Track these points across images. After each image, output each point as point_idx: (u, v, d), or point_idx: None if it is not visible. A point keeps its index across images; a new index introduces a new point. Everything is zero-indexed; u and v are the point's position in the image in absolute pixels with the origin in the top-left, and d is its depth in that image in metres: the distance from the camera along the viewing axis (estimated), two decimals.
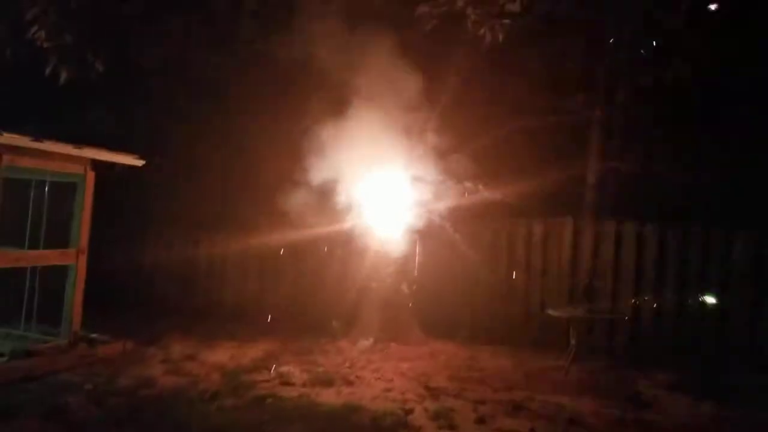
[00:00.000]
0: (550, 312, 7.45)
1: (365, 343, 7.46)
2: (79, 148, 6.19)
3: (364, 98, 7.41)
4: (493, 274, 8.15)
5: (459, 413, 5.23)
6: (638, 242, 7.61)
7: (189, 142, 9.68)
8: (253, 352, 6.99)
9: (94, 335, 6.60)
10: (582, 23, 8.00)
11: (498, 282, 8.14)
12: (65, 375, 5.79)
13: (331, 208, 7.78)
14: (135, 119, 9.59)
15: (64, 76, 8.06)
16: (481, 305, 8.11)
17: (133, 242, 9.54)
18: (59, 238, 6.56)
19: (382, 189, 7.81)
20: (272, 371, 6.18)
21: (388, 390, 5.81)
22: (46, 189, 6.75)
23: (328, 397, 5.55)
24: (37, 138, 5.77)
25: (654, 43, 7.96)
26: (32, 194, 6.81)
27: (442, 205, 7.96)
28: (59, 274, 6.49)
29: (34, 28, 7.77)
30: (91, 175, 6.49)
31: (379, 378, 6.21)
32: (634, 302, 7.56)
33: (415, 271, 8.19)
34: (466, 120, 8.07)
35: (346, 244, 8.23)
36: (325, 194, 7.67)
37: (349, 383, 5.98)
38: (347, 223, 7.88)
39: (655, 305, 7.50)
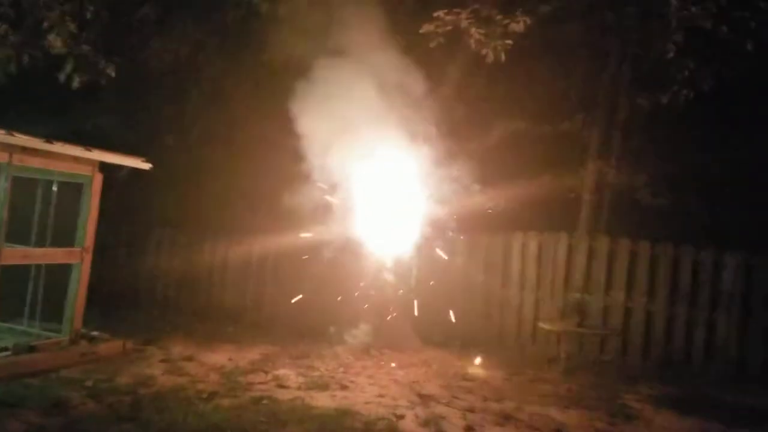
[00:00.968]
0: (543, 325, 7.61)
1: (361, 349, 7.59)
2: (89, 150, 6.28)
3: (364, 107, 7.57)
4: (488, 285, 8.32)
5: (448, 421, 5.35)
6: (631, 259, 7.77)
7: (193, 146, 9.85)
8: (252, 354, 7.12)
9: (95, 333, 6.71)
10: (584, 45, 8.18)
11: (492, 293, 8.31)
12: (66, 371, 5.87)
13: (331, 215, 7.95)
14: (141, 122, 9.75)
15: (76, 81, 8.24)
16: (475, 316, 8.27)
17: (136, 243, 9.69)
18: (65, 237, 6.61)
19: (382, 199, 7.96)
20: (268, 375, 6.30)
21: (381, 396, 5.93)
22: (54, 188, 6.82)
23: (323, 400, 5.67)
24: (49, 140, 5.86)
25: (651, 69, 8.14)
26: (39, 193, 6.88)
27: (441, 217, 8.10)
28: (63, 272, 6.53)
29: (52, 35, 7.92)
30: (98, 177, 6.55)
31: (372, 383, 6.33)
32: (625, 317, 7.72)
33: (413, 281, 8.34)
34: (464, 133, 8.24)
35: (346, 251, 8.35)
36: (325, 201, 7.85)
37: (344, 388, 6.10)
38: (347, 231, 8.02)
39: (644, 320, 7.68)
